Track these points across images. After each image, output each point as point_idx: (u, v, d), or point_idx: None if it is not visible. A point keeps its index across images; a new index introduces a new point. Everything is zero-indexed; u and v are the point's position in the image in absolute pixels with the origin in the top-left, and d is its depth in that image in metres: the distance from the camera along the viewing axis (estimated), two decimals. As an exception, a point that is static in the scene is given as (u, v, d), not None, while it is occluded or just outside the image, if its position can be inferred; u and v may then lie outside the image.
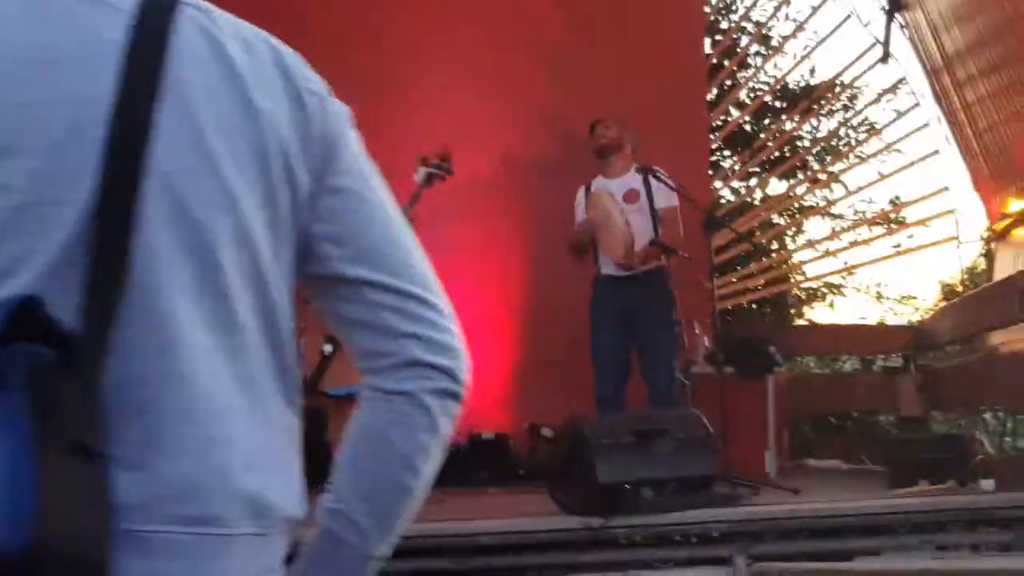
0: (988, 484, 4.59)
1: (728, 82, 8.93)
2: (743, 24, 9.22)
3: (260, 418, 1.06)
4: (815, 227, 10.78)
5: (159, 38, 1.04)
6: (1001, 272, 7.46)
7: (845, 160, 9.14)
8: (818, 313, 11.71)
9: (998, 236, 7.80)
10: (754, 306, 9.29)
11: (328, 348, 5.38)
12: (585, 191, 6.00)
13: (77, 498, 0.89)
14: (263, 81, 1.10)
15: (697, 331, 6.14)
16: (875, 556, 4.08)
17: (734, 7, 9.58)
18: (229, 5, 1.15)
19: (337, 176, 1.14)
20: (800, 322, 10.95)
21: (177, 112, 1.03)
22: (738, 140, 9.75)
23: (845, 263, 8.62)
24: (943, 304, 10.26)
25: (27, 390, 0.87)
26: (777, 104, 9.73)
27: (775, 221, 9.57)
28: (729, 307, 6.87)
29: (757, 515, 4.24)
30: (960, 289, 9.69)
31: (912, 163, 8.09)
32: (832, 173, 9.05)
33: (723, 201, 8.96)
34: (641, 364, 5.79)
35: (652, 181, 5.83)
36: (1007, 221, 7.48)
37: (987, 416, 7.20)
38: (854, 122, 9.70)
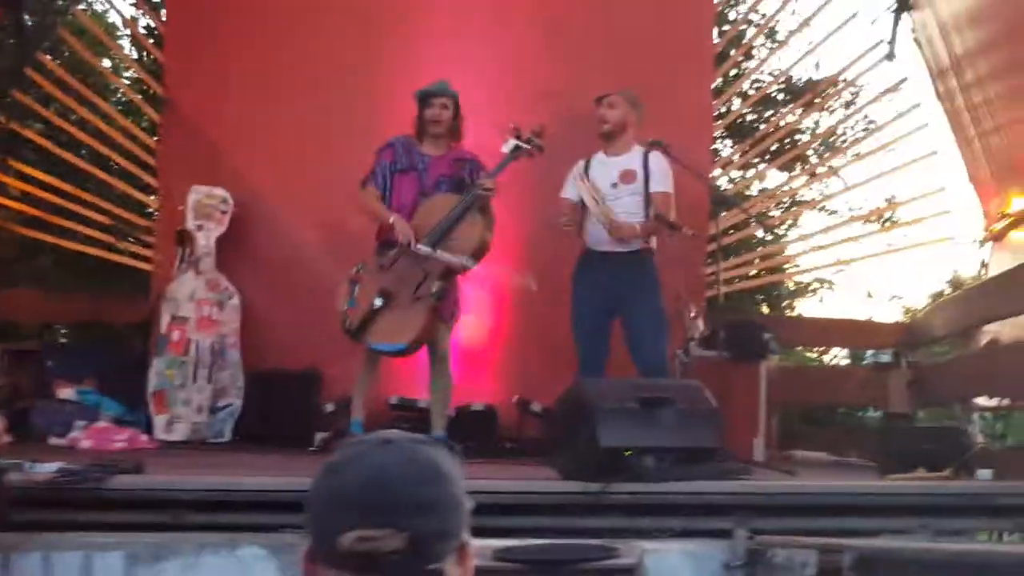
0: (986, 474, 4.59)
1: (732, 72, 8.89)
2: (750, 16, 9.18)
3: None
4: (810, 221, 10.74)
5: None
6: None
7: (843, 156, 9.10)
8: (807, 307, 11.75)
9: (995, 237, 7.79)
10: (747, 295, 9.27)
11: (378, 302, 5.25)
12: (584, 166, 5.92)
13: None
14: None
15: (693, 314, 6.10)
16: (874, 536, 4.05)
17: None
18: None
19: None
20: (791, 314, 10.96)
21: None
22: (740, 130, 9.72)
23: (837, 258, 8.61)
24: (941, 299, 10.26)
25: None
26: (780, 97, 9.72)
27: (771, 213, 9.55)
28: (722, 293, 6.82)
29: (759, 489, 4.22)
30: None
31: (909, 162, 8.05)
32: (831, 168, 9.02)
33: (721, 189, 8.92)
34: (628, 344, 5.75)
35: (651, 163, 5.77)
36: (1007, 221, 7.46)
37: (975, 415, 7.19)
38: (855, 119, 9.69)
